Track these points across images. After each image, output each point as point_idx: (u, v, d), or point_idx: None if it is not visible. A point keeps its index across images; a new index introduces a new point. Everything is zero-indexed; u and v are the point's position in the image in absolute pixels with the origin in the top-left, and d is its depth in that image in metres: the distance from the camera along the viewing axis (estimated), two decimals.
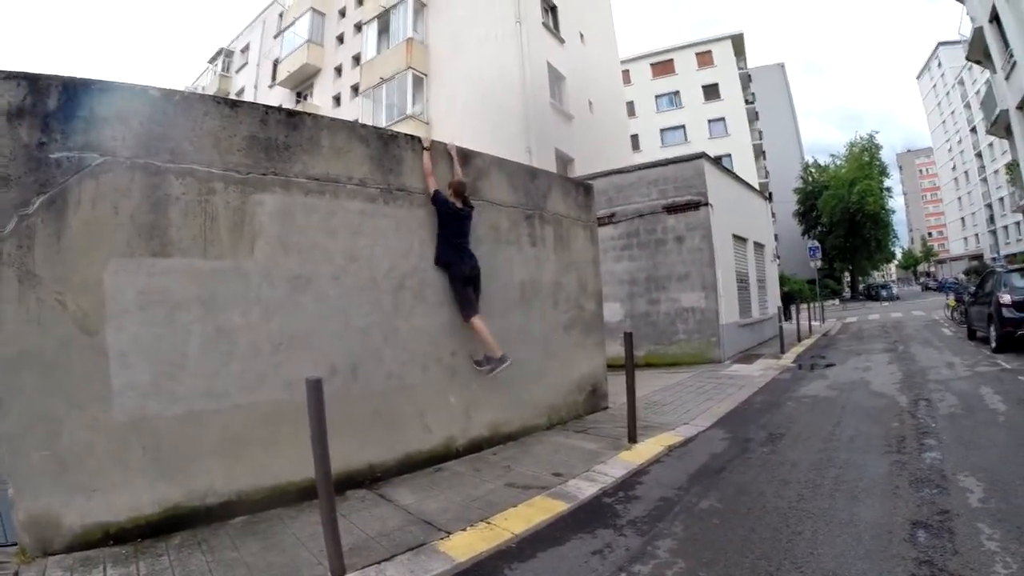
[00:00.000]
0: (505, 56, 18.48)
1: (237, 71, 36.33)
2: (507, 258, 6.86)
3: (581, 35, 22.38)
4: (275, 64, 30.54)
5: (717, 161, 15.76)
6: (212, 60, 38.13)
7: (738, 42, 46.64)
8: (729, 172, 16.95)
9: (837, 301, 45.20)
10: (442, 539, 4.03)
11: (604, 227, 13.88)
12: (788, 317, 17.80)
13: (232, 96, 35.47)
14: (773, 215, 26.14)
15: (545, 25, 19.90)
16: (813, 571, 3.34)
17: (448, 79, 20.46)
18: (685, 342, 13.32)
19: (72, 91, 4.11)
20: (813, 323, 21.04)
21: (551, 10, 20.76)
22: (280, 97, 30.38)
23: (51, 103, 4.02)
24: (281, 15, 31.28)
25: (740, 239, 15.70)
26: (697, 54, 46.53)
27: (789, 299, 21.08)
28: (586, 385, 7.88)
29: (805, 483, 4.85)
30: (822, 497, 4.50)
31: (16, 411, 3.81)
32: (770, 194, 35.22)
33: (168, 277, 4.35)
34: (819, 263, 26.63)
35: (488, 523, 4.28)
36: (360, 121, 22.05)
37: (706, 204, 13.15)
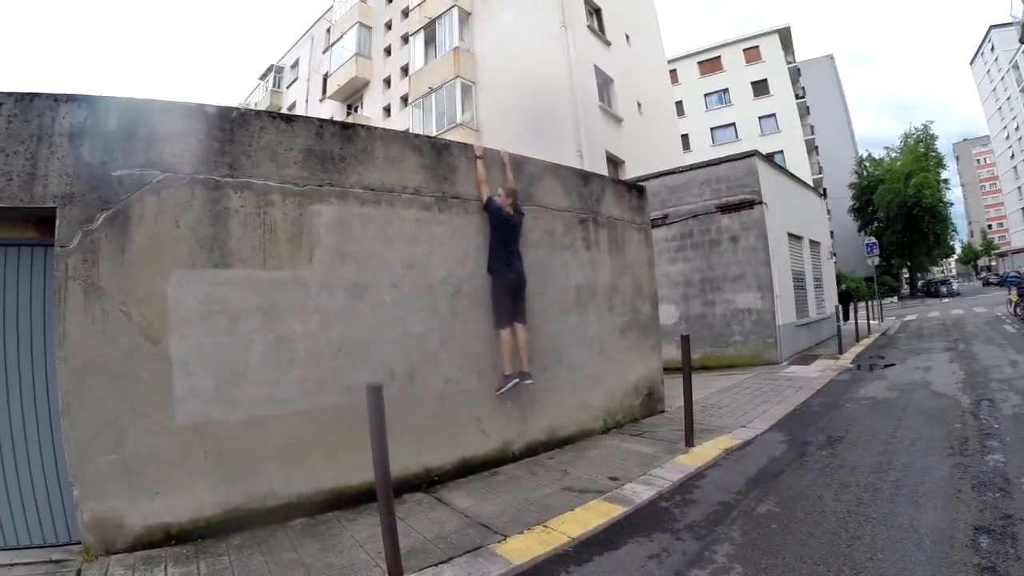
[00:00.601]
0: (552, 61, 18.44)
1: (288, 86, 37.27)
2: (562, 262, 6.85)
3: (627, 36, 22.21)
4: (325, 78, 31.20)
5: (769, 158, 15.40)
6: (263, 76, 39.18)
7: (785, 36, 45.61)
8: (782, 169, 16.60)
9: (895, 299, 43.60)
10: (499, 542, 4.06)
11: (657, 229, 13.71)
12: (846, 317, 17.26)
13: (284, 111, 36.46)
14: (828, 212, 25.48)
15: (590, 28, 19.81)
16: None
17: (496, 86, 20.52)
18: (741, 344, 13.04)
19: (132, 111, 4.32)
20: (871, 322, 20.39)
21: (595, 13, 20.67)
22: (331, 110, 31.02)
23: (111, 123, 4.22)
24: (329, 30, 31.91)
25: (795, 237, 15.29)
26: (744, 50, 45.68)
27: (847, 298, 20.44)
28: (642, 388, 7.81)
29: (865, 487, 4.74)
30: (882, 501, 4.40)
31: (83, 417, 3.98)
32: (824, 190, 34.33)
33: (229, 287, 4.51)
34: (877, 260, 25.77)
35: (545, 526, 4.30)
36: (411, 131, 22.43)
37: (760, 202, 12.86)
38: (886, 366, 11.56)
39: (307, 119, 5.27)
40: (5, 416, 4.11)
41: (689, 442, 6.18)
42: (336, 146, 5.16)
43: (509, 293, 5.89)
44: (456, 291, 5.76)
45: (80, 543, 4.02)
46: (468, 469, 5.62)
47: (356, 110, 29.95)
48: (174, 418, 4.23)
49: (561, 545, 4.03)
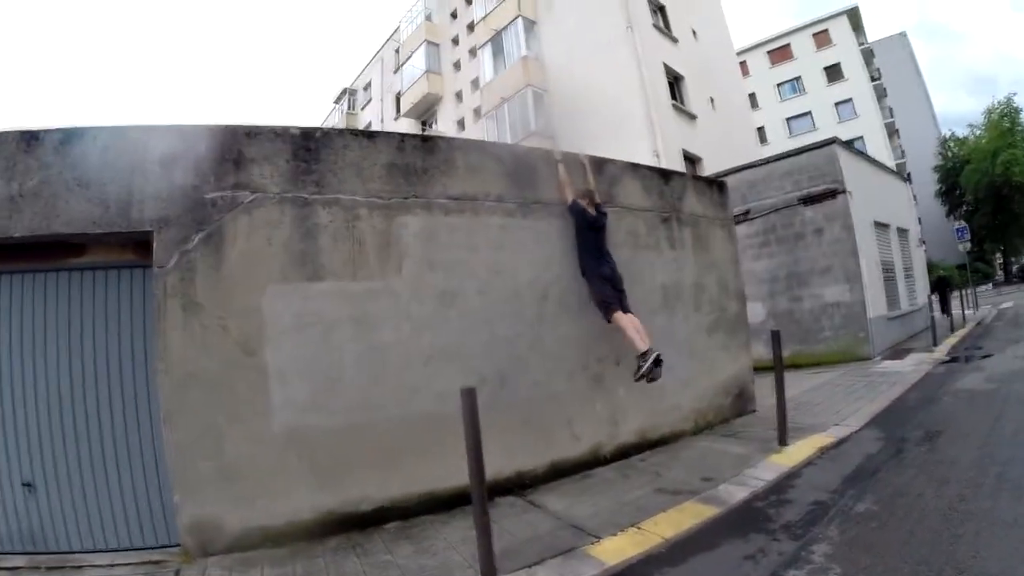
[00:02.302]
0: (620, 62, 18.34)
1: (362, 108, 38.26)
2: (647, 262, 6.80)
3: (694, 32, 21.86)
4: (397, 97, 31.95)
5: (849, 145, 14.80)
6: (337, 100, 40.32)
7: (854, 16, 43.69)
8: (864, 155, 16.00)
9: (990, 285, 41.11)
10: (592, 544, 4.08)
11: (739, 225, 13.38)
12: (944, 307, 16.29)
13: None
14: (914, 197, 24.27)
15: (656, 27, 19.62)
16: None
17: (567, 92, 20.52)
18: (831, 339, 12.55)
19: (220, 136, 4.60)
20: (966, 311, 19.42)
21: (660, 10, 20.44)
22: (405, 127, 31.64)
23: (201, 149, 4.51)
24: (397, 51, 32.67)
25: (882, 226, 14.61)
26: (813, 35, 44.11)
27: (943, 285, 19.37)
28: (732, 388, 7.66)
29: (966, 482, 4.55)
30: (984, 497, 4.20)
31: (183, 426, 4.25)
32: (908, 175, 32.78)
33: (321, 299, 4.71)
34: (968, 245, 24.29)
35: (638, 528, 4.29)
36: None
37: (843, 191, 12.39)
38: (983, 357, 11.01)
39: (388, 134, 5.46)
40: (109, 425, 4.45)
41: (782, 441, 6.03)
42: (418, 159, 5.31)
43: (612, 285, 5.84)
44: (543, 295, 5.80)
45: (179, 545, 4.30)
46: (559, 472, 5.63)
47: (430, 126, 30.56)
48: (271, 426, 4.46)
49: (655, 546, 4.03)
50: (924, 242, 22.30)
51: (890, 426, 6.64)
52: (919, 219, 25.82)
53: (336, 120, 40.11)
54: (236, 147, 4.62)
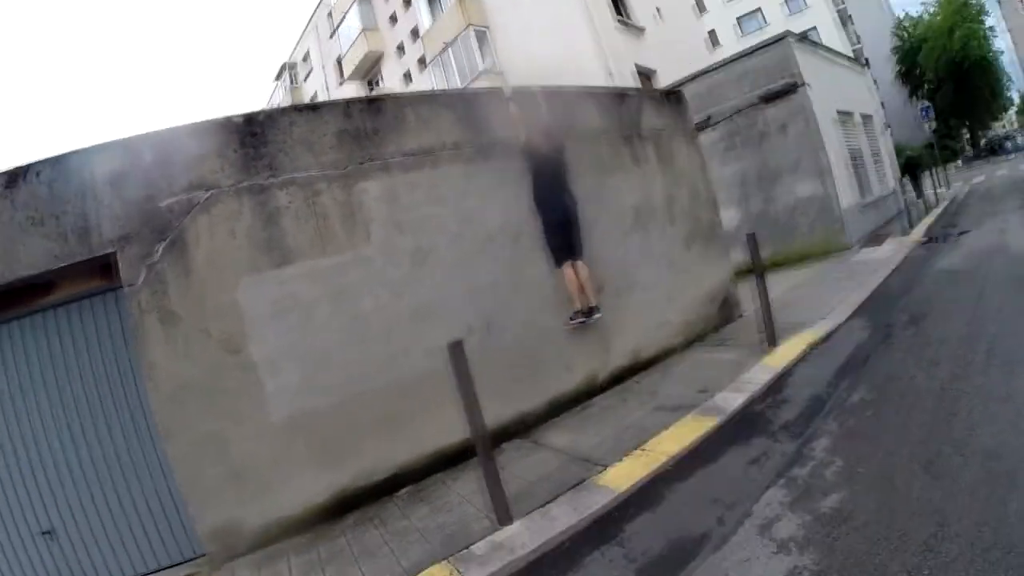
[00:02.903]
0: None
1: (304, 80, 37.20)
2: (615, 185, 6.73)
3: None
4: (339, 61, 30.99)
5: (803, 38, 14.53)
6: (278, 76, 39.21)
7: None
8: (819, 46, 15.75)
9: (959, 162, 41.49)
10: (601, 472, 4.16)
11: (703, 132, 13.24)
12: (918, 191, 16.34)
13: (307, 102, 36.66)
14: (874, 82, 24.12)
15: None
16: (974, 452, 3.21)
17: (510, 25, 20.06)
18: (808, 234, 12.57)
19: (163, 142, 4.44)
20: (938, 190, 19.63)
21: None
22: (352, 91, 30.81)
23: (147, 159, 4.36)
24: (330, 14, 31.61)
25: (845, 114, 14.59)
26: None
27: (913, 167, 19.43)
28: (717, 296, 7.70)
29: (956, 360, 4.62)
30: (975, 374, 4.28)
31: (185, 438, 4.22)
32: (866, 60, 32.56)
33: (295, 282, 4.65)
34: (934, 124, 24.30)
35: (643, 449, 4.36)
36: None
37: (801, 85, 12.26)
38: (960, 234, 11.16)
39: (333, 103, 5.33)
40: (113, 454, 4.42)
41: (772, 342, 6.08)
42: (367, 122, 5.18)
43: (559, 231, 5.81)
44: (516, 236, 5.76)
45: (205, 555, 4.33)
46: (559, 408, 5.69)
47: (377, 84, 29.80)
48: (269, 418, 4.44)
49: (661, 465, 4.09)
50: (889, 126, 22.30)
51: (876, 313, 6.75)
52: (882, 104, 25.78)
53: (281, 98, 39.04)
54: (181, 148, 4.48)
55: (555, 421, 5.53)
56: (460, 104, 5.82)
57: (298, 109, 5.06)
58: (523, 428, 5.41)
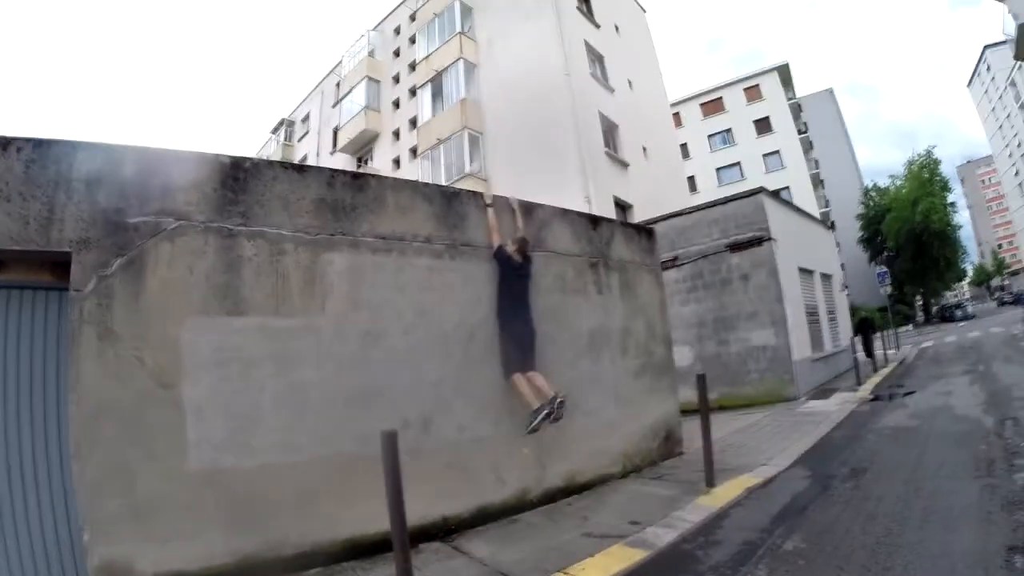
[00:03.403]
0: (557, 108, 18.78)
1: (299, 139, 37.91)
2: (575, 307, 6.86)
3: (629, 83, 22.64)
4: (335, 131, 31.75)
5: (776, 195, 15.46)
6: (275, 130, 39.93)
7: (784, 72, 46.38)
8: (789, 204, 16.71)
9: (911, 326, 43.32)
10: None
11: (668, 271, 13.69)
12: (868, 350, 16.71)
13: (296, 162, 37.06)
14: (837, 244, 25.36)
15: (593, 75, 20.23)
16: None
17: (504, 136, 20.86)
18: (758, 381, 12.87)
19: (148, 160, 4.43)
20: (888, 351, 20.14)
21: (598, 60, 21.10)
22: (341, 163, 31.42)
23: (128, 171, 4.33)
24: (338, 84, 32.60)
25: (806, 272, 15.26)
26: (745, 89, 46.47)
27: (866, 327, 20.03)
28: (660, 431, 7.70)
29: (892, 516, 4.64)
30: (911, 530, 4.31)
31: (95, 460, 3.96)
32: (832, 223, 34.32)
33: (242, 334, 4.55)
34: (889, 288, 25.51)
35: (565, 573, 4.24)
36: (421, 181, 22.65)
37: (769, 239, 12.87)
38: (906, 394, 11.41)
39: (319, 169, 5.40)
40: (17, 455, 4.05)
41: (710, 483, 6.07)
42: (347, 195, 5.25)
43: (518, 344, 5.86)
44: (470, 337, 5.77)
45: None
46: (486, 517, 5.52)
47: (366, 163, 30.35)
48: (186, 464, 4.22)
49: None
50: (847, 286, 23.25)
51: (816, 464, 6.79)
52: (843, 265, 26.98)
53: (272, 150, 39.53)
54: (164, 171, 4.45)
55: (480, 530, 5.36)
56: (439, 199, 5.93)
57: (284, 166, 5.14)
58: (446, 532, 5.22)
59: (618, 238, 7.77)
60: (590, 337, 6.96)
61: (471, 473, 5.57)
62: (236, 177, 4.73)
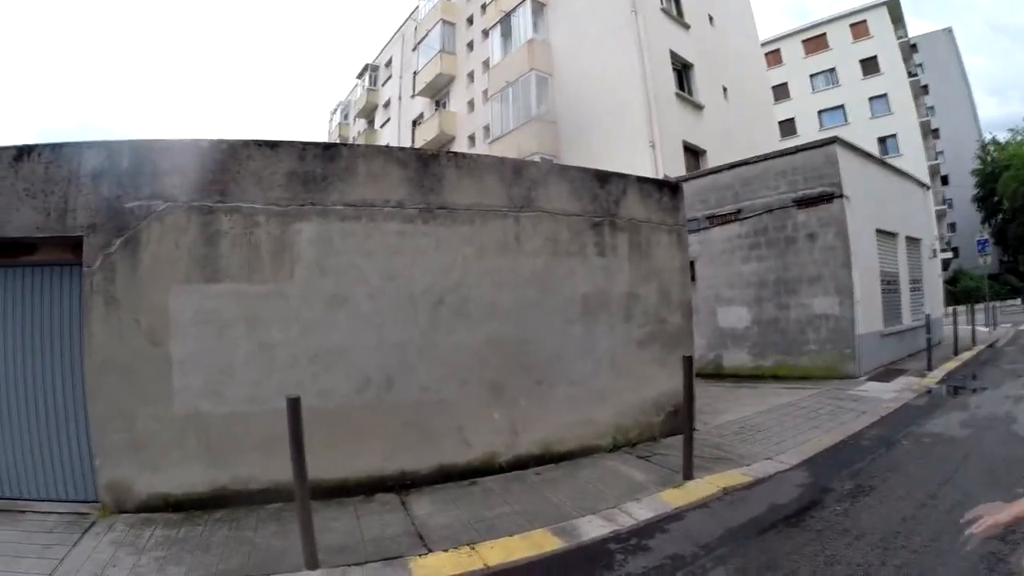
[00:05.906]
0: (623, 49, 17.82)
1: (383, 84, 38.15)
2: (567, 270, 6.54)
3: (710, 17, 21.12)
4: (414, 75, 31.58)
5: (854, 146, 13.72)
6: (360, 75, 40.29)
7: (894, 7, 41.57)
8: (873, 157, 15.01)
9: (1019, 300, 37.32)
10: (419, 556, 4.11)
11: (730, 224, 13.08)
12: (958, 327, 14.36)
13: (380, 107, 37.65)
14: (949, 202, 23.11)
15: (665, 11, 18.93)
16: None
17: (572, 77, 20.09)
18: (816, 353, 11.89)
19: (141, 151, 5.20)
20: (980, 328, 17.73)
21: None
22: (421, 106, 31.73)
23: (125, 163, 5.15)
24: (416, 28, 32.29)
25: (887, 234, 13.84)
26: (851, 26, 41.95)
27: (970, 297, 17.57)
28: (666, 405, 7.19)
29: (856, 567, 3.67)
30: None
31: (102, 403, 5.00)
32: (945, 178, 31.43)
33: (219, 300, 5.23)
34: (988, 259, 22.50)
35: (472, 548, 4.25)
36: (488, 125, 22.23)
37: (840, 196, 11.65)
38: (975, 390, 9.81)
39: (291, 143, 5.62)
40: (52, 396, 5.17)
41: (687, 475, 5.57)
42: (318, 167, 5.57)
43: None
44: (439, 301, 5.82)
45: (99, 501, 5.01)
46: (448, 476, 5.72)
47: (444, 106, 30.21)
48: (172, 408, 5.08)
49: (473, 571, 3.93)
50: (946, 250, 21.21)
51: (823, 470, 5.89)
52: (953, 224, 24.63)
53: (358, 95, 40.15)
54: (154, 160, 5.18)
55: (438, 487, 5.56)
56: (415, 163, 5.94)
57: (259, 144, 5.49)
58: (403, 485, 5.50)
59: (631, 196, 7.24)
60: (584, 302, 6.63)
61: (433, 433, 5.75)
62: (215, 158, 5.31)
